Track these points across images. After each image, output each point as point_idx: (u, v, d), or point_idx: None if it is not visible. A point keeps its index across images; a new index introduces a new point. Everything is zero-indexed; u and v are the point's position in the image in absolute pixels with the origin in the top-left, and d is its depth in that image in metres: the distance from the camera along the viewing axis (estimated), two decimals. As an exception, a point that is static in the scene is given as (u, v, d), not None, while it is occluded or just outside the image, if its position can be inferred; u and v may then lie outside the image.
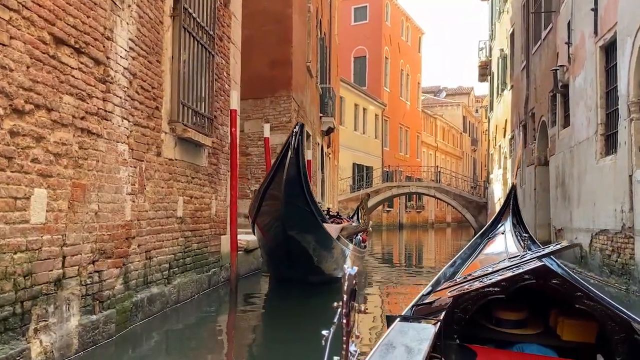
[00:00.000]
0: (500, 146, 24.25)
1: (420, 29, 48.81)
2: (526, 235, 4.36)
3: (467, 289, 2.70)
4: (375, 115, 39.46)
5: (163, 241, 5.97)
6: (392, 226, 39.32)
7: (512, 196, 5.34)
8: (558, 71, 12.45)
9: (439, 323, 2.46)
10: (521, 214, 5.31)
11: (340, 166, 30.04)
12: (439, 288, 3.27)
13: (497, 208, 21.94)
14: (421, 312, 2.76)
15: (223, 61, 8.13)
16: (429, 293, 3.23)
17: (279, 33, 13.46)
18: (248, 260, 9.34)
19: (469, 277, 3.00)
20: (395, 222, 40.57)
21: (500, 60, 23.12)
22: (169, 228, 6.11)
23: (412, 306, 2.91)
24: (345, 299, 1.46)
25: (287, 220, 6.82)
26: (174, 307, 6.26)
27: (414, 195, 41.64)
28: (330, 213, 9.80)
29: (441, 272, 3.87)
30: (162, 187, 5.91)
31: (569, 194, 11.93)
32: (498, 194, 23.77)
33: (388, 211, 39.86)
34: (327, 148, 21.75)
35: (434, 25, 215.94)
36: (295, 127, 6.47)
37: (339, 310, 1.48)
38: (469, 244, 4.68)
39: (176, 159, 6.29)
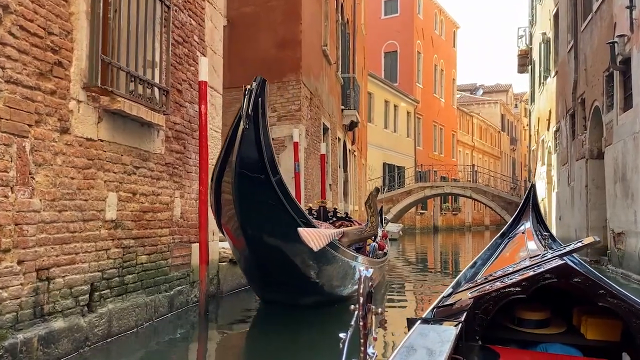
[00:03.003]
0: (543, 141, 22.02)
1: (455, 23, 46.49)
2: (547, 234, 4.08)
3: (488, 289, 2.62)
4: (407, 112, 37.35)
5: (77, 254, 4.25)
6: (426, 229, 37.12)
7: (531, 195, 5.21)
8: (616, 44, 10.37)
9: (460, 324, 2.43)
10: (542, 213, 5.19)
11: (369, 166, 28.16)
12: (460, 289, 3.17)
13: (541, 208, 19.87)
14: (442, 314, 2.72)
15: (192, 21, 6.40)
16: (449, 295, 3.16)
17: (286, 8, 11.73)
18: (235, 272, 7.56)
19: (490, 278, 2.91)
20: (429, 225, 38.30)
21: (542, 45, 20.92)
22: (88, 235, 4.39)
23: (433, 308, 2.87)
24: (361, 301, 1.47)
25: (247, 221, 5.00)
26: (102, 344, 4.54)
27: (450, 197, 39.37)
28: (338, 215, 7.96)
29: (461, 273, 3.80)
30: (73, 178, 4.19)
31: (633, 190, 9.85)
32: (541, 193, 21.54)
33: (422, 213, 37.66)
34: (352, 145, 19.92)
35: (469, 19, 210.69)
36: (251, 84, 4.60)
37: (356, 312, 1.48)
38: (489, 244, 4.61)
39: (102, 140, 4.57)
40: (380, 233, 9.94)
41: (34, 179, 3.74)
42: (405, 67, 38.67)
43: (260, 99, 4.59)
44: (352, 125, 18.38)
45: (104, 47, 4.49)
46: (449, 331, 2.30)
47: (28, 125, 3.68)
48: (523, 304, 2.69)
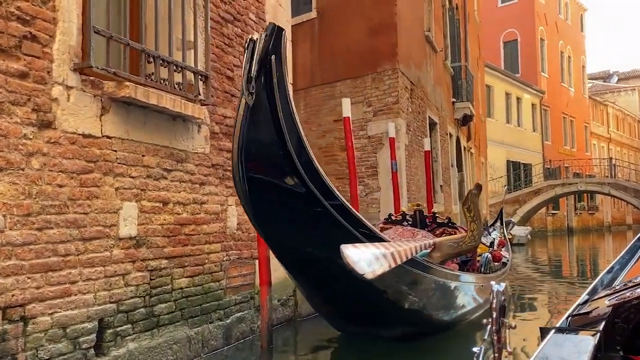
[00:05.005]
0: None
1: (582, 5, 42.59)
2: None
3: (629, 296, 2.38)
4: (532, 104, 34.44)
5: (74, 283, 3.31)
6: (559, 231, 33.90)
7: None
8: None
9: (598, 334, 2.25)
10: None
11: (490, 164, 26.03)
12: (596, 296, 2.86)
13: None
14: (577, 323, 2.52)
15: (246, -4, 5.39)
16: (585, 302, 2.86)
17: (378, -11, 10.50)
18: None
19: (630, 284, 2.59)
20: (562, 227, 34.93)
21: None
22: (92, 258, 3.44)
23: (568, 317, 2.62)
24: (494, 315, 1.46)
25: (277, 237, 3.74)
26: (119, 395, 3.59)
27: (585, 195, 35.76)
28: (438, 220, 6.55)
29: (598, 279, 3.40)
30: (62, 186, 3.26)
31: None
32: (697, 186, 18.47)
33: (553, 214, 34.44)
34: (467, 142, 18.18)
35: (597, 1, 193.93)
36: (257, 36, 3.24)
37: (489, 327, 1.48)
38: (628, 247, 4.01)
39: (110, 137, 3.62)
40: (497, 240, 8.40)
41: (-9, 188, 2.84)
42: (527, 56, 35.76)
43: (274, 56, 3.31)
44: (466, 120, 16.67)
45: (107, 19, 3.55)
46: (587, 341, 2.19)
47: (-22, 117, 2.79)
48: None
